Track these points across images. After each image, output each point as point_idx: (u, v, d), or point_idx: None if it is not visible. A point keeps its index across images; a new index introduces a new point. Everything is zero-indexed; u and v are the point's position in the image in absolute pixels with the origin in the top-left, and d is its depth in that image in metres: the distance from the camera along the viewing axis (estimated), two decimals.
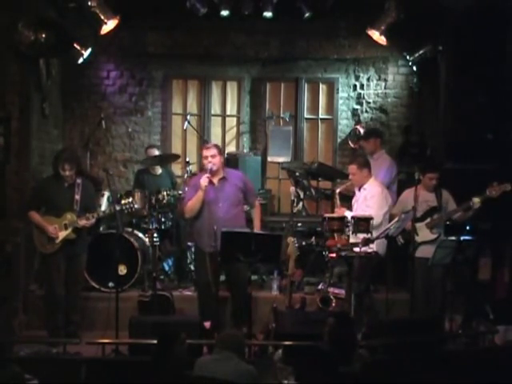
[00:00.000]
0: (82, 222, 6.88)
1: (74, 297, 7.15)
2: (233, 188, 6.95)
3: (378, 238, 6.72)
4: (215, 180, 6.91)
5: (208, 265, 6.76)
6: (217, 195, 6.88)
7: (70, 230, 6.86)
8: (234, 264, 6.61)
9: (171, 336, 4.75)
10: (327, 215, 6.95)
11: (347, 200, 7.43)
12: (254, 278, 7.56)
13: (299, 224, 8.05)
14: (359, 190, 7.14)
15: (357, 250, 6.62)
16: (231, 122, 9.76)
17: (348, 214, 6.92)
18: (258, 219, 7.13)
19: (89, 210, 6.97)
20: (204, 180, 6.76)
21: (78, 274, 7.15)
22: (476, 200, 6.88)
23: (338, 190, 7.22)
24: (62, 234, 6.86)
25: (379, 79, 9.53)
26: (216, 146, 7.16)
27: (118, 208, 6.92)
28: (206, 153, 6.92)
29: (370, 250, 6.74)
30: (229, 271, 6.96)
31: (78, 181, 6.99)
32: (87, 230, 7.12)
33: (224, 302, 7.12)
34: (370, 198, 6.99)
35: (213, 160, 6.84)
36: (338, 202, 7.10)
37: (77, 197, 6.93)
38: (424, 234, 7.12)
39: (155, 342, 4.78)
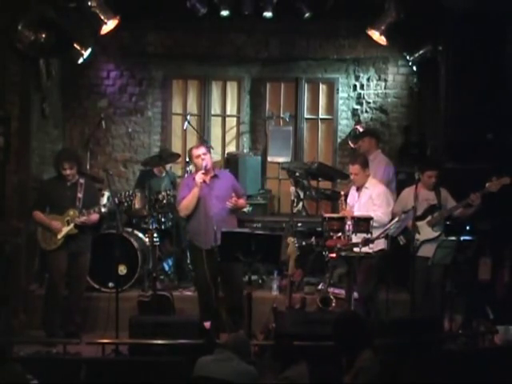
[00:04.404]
0: (82, 218, 6.96)
1: (76, 297, 7.18)
2: (224, 185, 7.09)
3: (378, 237, 6.72)
4: (207, 178, 7.01)
5: (205, 262, 6.79)
6: (210, 192, 6.98)
7: (72, 225, 6.97)
8: (228, 263, 6.63)
9: None
10: (327, 215, 6.94)
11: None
12: (253, 277, 7.54)
13: (299, 224, 8.05)
14: (357, 189, 7.13)
15: (357, 249, 6.62)
16: (231, 122, 9.76)
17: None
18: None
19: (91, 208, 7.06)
20: (199, 176, 6.89)
21: (80, 275, 7.18)
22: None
23: (343, 193, 7.18)
24: (65, 230, 6.97)
25: (379, 79, 9.53)
26: (204, 145, 7.26)
27: (117, 202, 7.05)
28: (197, 152, 7.04)
29: (370, 250, 6.74)
30: (223, 270, 6.94)
31: (81, 180, 7.12)
32: (91, 229, 7.17)
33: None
34: (376, 197, 6.98)
35: (206, 157, 6.99)
36: (343, 205, 7.06)
37: (79, 195, 7.05)
38: (425, 232, 7.12)
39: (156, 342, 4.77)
